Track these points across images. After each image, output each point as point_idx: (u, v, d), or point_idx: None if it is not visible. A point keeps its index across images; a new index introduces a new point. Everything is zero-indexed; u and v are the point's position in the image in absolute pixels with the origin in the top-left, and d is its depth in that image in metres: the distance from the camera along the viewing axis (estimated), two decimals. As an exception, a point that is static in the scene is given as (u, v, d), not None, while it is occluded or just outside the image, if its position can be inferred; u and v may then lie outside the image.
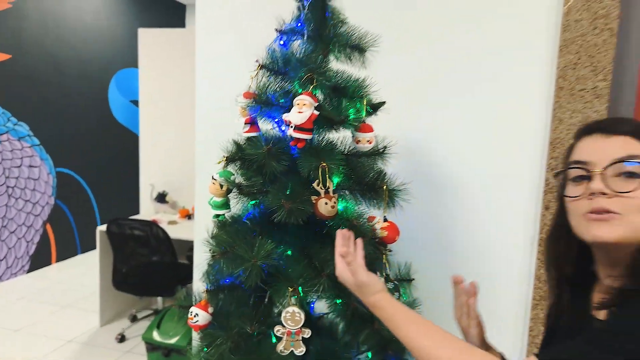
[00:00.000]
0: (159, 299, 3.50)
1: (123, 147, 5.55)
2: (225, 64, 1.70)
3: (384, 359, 1.10)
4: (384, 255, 1.11)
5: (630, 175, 0.75)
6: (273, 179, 1.04)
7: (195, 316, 1.10)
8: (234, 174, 1.13)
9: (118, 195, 5.52)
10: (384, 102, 1.13)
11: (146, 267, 3.09)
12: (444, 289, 1.12)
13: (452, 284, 1.00)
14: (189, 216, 3.63)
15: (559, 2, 1.47)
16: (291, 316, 1.00)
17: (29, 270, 4.46)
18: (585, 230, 0.78)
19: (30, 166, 4.43)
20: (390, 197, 1.12)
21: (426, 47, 1.53)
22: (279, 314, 1.03)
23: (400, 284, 1.19)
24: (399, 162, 1.21)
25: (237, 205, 1.16)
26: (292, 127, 0.98)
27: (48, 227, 4.66)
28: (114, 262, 3.12)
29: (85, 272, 4.52)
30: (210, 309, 1.11)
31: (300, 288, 0.99)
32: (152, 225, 2.83)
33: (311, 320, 1.23)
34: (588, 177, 0.78)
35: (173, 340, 2.70)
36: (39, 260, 4.56)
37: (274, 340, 1.03)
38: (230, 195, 1.14)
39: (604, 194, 0.75)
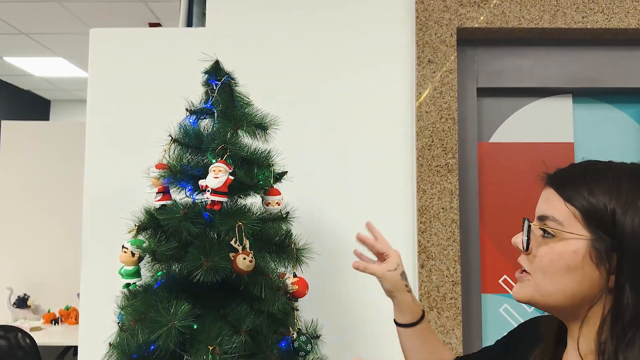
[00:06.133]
0: None
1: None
2: (116, 143, 1.73)
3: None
4: (294, 310, 1.20)
5: (545, 233, 0.67)
6: (187, 242, 1.10)
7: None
8: (145, 242, 1.15)
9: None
10: (286, 172, 1.29)
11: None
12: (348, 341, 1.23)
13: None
14: (55, 321, 3.24)
15: (412, 98, 1.85)
16: (212, 375, 1.01)
17: None
18: None
19: None
20: (297, 255, 1.24)
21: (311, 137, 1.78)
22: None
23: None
24: (299, 225, 1.36)
25: (146, 274, 1.18)
26: (209, 191, 1.07)
27: None
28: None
29: None
30: (123, 385, 1.06)
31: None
32: (16, 331, 2.49)
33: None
34: None
35: None
36: None
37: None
38: (141, 264, 1.16)
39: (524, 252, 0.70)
